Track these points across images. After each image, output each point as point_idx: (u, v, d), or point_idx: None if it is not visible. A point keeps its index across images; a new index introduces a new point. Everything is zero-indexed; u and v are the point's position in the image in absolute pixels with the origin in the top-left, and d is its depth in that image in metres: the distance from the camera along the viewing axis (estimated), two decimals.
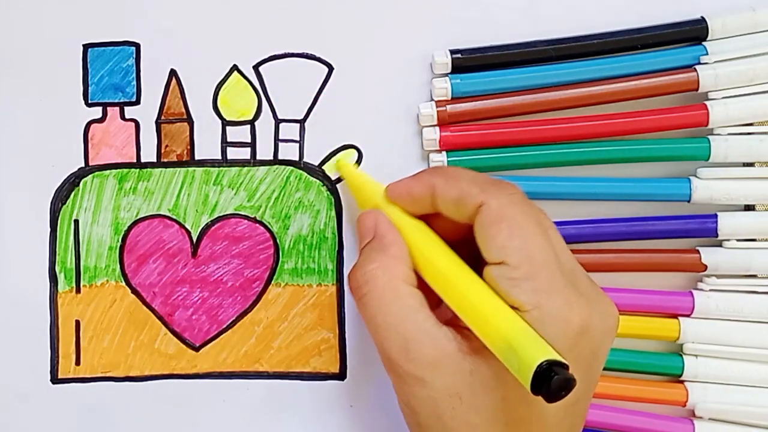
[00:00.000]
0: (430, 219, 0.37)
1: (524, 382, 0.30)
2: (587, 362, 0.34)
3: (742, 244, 0.43)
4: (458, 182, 0.35)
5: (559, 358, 0.30)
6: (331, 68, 0.43)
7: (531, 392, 0.29)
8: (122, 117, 0.42)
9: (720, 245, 0.43)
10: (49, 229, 0.42)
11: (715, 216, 0.43)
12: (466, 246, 0.36)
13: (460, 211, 0.35)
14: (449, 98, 0.42)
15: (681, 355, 0.43)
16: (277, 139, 0.43)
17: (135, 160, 0.42)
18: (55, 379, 0.42)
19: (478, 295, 0.33)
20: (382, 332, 0.34)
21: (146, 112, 0.42)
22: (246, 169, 0.42)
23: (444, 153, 0.42)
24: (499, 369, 0.32)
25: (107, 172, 0.42)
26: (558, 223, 0.42)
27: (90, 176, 0.42)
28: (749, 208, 0.43)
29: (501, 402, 0.33)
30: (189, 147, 0.42)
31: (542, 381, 0.29)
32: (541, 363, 0.29)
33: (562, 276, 0.33)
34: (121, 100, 0.42)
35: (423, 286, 0.36)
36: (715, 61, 0.42)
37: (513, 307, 0.33)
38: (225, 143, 0.42)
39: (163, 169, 0.42)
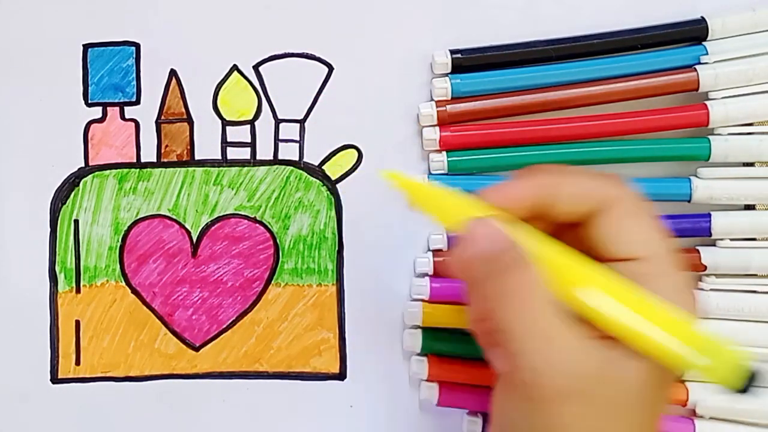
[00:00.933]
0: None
1: (731, 383, 0.30)
2: None
3: (741, 243, 0.43)
4: (580, 177, 0.34)
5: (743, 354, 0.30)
6: (331, 68, 0.43)
7: (738, 391, 0.29)
8: (122, 117, 0.42)
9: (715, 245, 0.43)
10: (49, 229, 0.42)
11: (709, 215, 0.43)
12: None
13: (583, 205, 0.33)
14: (449, 98, 0.42)
15: None
16: (277, 139, 0.43)
17: (135, 160, 0.42)
18: (55, 379, 0.42)
19: (641, 306, 0.31)
20: (538, 346, 0.31)
21: (146, 112, 0.42)
22: (246, 169, 0.42)
23: (444, 153, 0.42)
24: (645, 371, 0.31)
25: (107, 172, 0.42)
26: None
27: (90, 176, 0.42)
28: (749, 207, 0.43)
29: (646, 405, 0.31)
30: (189, 147, 0.42)
31: (747, 378, 0.30)
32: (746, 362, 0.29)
33: (687, 283, 0.33)
34: (121, 100, 0.42)
35: None
36: (715, 61, 0.42)
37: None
38: (225, 143, 0.42)
39: (163, 169, 0.42)
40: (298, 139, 0.43)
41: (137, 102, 0.42)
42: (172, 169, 0.42)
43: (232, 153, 0.42)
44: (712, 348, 0.30)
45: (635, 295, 0.31)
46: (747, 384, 0.30)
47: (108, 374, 0.42)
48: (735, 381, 0.30)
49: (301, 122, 0.43)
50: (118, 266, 0.42)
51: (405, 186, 0.35)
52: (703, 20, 0.43)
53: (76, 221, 0.42)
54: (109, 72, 0.42)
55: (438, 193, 0.35)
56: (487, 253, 0.32)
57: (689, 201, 0.43)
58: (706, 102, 0.42)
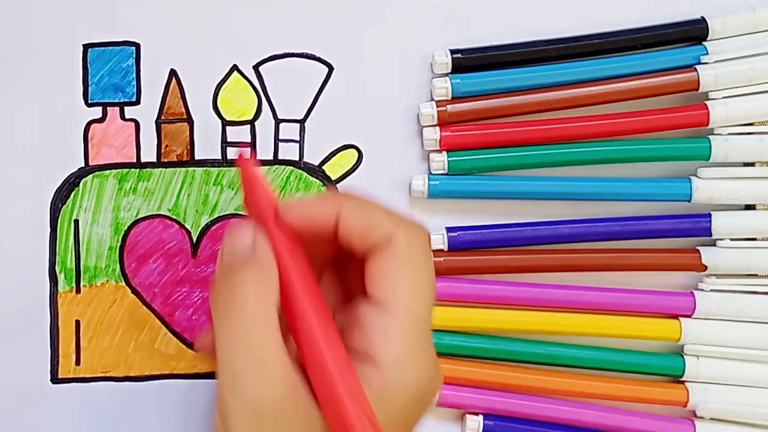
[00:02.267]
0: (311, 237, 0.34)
1: None
2: (414, 421, 0.32)
3: (741, 243, 0.43)
4: (370, 209, 0.33)
5: None
6: (331, 68, 0.43)
7: None
8: (122, 117, 0.42)
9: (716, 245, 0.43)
10: (49, 229, 0.42)
11: (709, 215, 0.43)
12: (332, 273, 0.35)
13: (364, 239, 0.32)
14: (449, 98, 0.42)
15: (682, 356, 0.43)
16: (277, 139, 0.43)
17: (135, 160, 0.42)
18: (55, 379, 0.42)
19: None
20: (240, 357, 0.31)
21: (146, 112, 0.42)
22: None
23: (444, 153, 0.42)
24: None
25: (107, 172, 0.42)
26: (553, 223, 0.43)
27: (90, 176, 0.42)
28: (750, 207, 0.43)
29: None
30: (189, 147, 0.42)
31: None
32: None
33: (430, 341, 0.32)
34: (121, 100, 0.42)
35: None
36: (715, 61, 0.42)
37: (371, 358, 0.31)
38: (225, 143, 0.42)
39: (163, 169, 0.42)
40: (298, 139, 0.43)
41: (137, 102, 0.42)
42: (172, 169, 0.42)
43: (232, 153, 0.42)
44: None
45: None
46: None
47: (108, 374, 0.42)
48: None
49: (301, 122, 0.43)
50: (118, 266, 0.42)
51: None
52: (703, 20, 0.43)
53: (76, 221, 0.42)
54: (109, 72, 0.42)
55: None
56: (229, 250, 0.33)
57: (689, 201, 0.43)
58: (706, 102, 0.42)
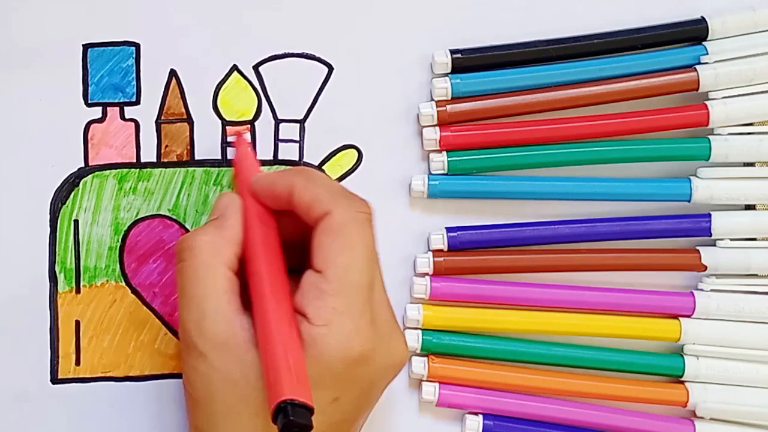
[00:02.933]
0: (286, 216, 0.38)
1: (269, 408, 0.31)
2: (363, 389, 0.35)
3: (741, 243, 0.43)
4: (314, 187, 0.36)
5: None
6: (331, 68, 0.43)
7: (271, 420, 0.31)
8: (122, 117, 0.42)
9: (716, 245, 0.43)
10: (49, 229, 0.42)
11: (709, 215, 0.43)
12: (306, 248, 0.37)
13: (309, 214, 0.36)
14: (449, 98, 0.42)
15: (682, 356, 0.43)
16: (277, 139, 0.43)
17: (135, 160, 0.42)
18: (55, 379, 0.42)
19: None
20: (185, 302, 0.35)
21: (146, 112, 0.42)
22: None
23: (444, 153, 0.42)
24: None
25: (107, 172, 0.42)
26: (553, 223, 0.43)
27: (90, 176, 0.42)
28: (750, 207, 0.43)
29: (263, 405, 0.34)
30: (189, 147, 0.42)
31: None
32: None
33: (364, 305, 0.35)
34: (121, 100, 0.42)
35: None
36: (715, 61, 0.42)
37: (304, 315, 0.34)
38: (225, 143, 0.42)
39: (163, 169, 0.42)
40: (298, 139, 0.43)
41: (137, 102, 0.42)
42: (172, 169, 0.42)
43: (232, 153, 0.42)
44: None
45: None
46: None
47: (108, 374, 0.42)
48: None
49: (301, 122, 0.43)
50: (118, 266, 0.42)
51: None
52: (703, 20, 0.43)
53: (76, 221, 0.42)
54: (109, 72, 0.42)
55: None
56: (213, 211, 0.38)
57: (689, 201, 0.43)
58: (706, 102, 0.42)
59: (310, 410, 0.31)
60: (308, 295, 0.35)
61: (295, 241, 0.38)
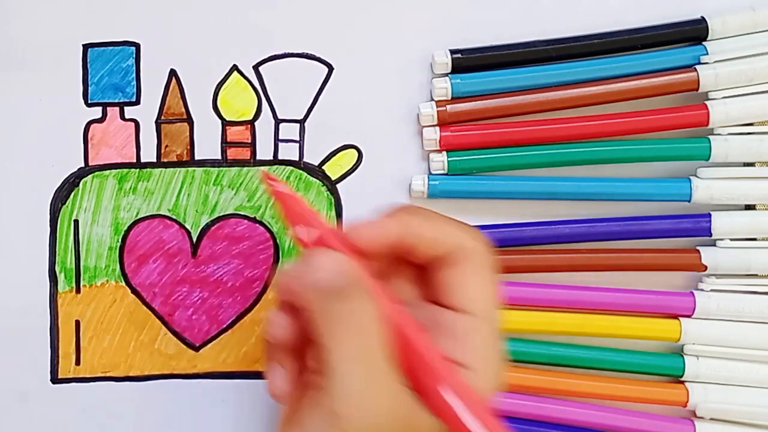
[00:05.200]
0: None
1: None
2: None
3: (741, 243, 0.43)
4: (438, 221, 0.34)
5: None
6: (331, 68, 0.43)
7: None
8: (122, 117, 0.42)
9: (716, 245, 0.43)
10: (49, 229, 0.42)
11: (709, 215, 0.43)
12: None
13: (436, 249, 0.34)
14: (449, 98, 0.42)
15: (682, 356, 0.43)
16: (277, 139, 0.43)
17: (135, 160, 0.42)
18: (55, 379, 0.42)
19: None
20: (359, 372, 0.31)
21: (146, 112, 0.42)
22: (246, 169, 0.42)
23: (444, 153, 0.42)
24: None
25: (107, 172, 0.42)
26: (553, 223, 0.43)
27: (90, 176, 0.42)
28: (750, 207, 0.43)
29: None
30: (189, 147, 0.42)
31: None
32: None
33: (501, 344, 0.34)
34: (121, 100, 0.42)
35: None
36: (715, 61, 0.42)
37: (460, 363, 0.32)
38: (225, 143, 0.42)
39: (163, 169, 0.42)
40: (298, 139, 0.43)
41: (137, 102, 0.42)
42: (172, 169, 0.42)
43: (232, 153, 0.42)
44: None
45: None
46: None
47: (108, 374, 0.42)
48: None
49: (301, 122, 0.43)
50: (118, 266, 0.42)
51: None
52: (703, 20, 0.43)
53: (76, 221, 0.42)
54: (109, 72, 0.42)
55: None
56: (328, 282, 0.32)
57: (689, 201, 0.43)
58: (706, 102, 0.42)
59: None
60: (462, 341, 0.33)
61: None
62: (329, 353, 0.31)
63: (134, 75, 0.42)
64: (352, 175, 0.43)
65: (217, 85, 0.42)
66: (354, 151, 0.43)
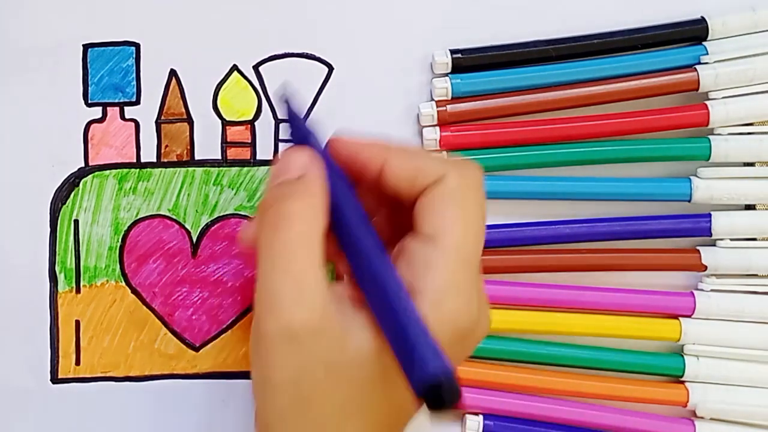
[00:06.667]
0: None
1: (411, 386, 0.29)
2: (457, 361, 0.32)
3: (741, 243, 0.43)
4: (416, 158, 0.33)
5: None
6: (331, 68, 0.43)
7: (415, 397, 0.28)
8: (122, 117, 0.42)
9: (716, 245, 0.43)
10: (49, 229, 0.42)
11: (709, 215, 0.43)
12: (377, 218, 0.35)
13: (414, 184, 0.33)
14: (449, 98, 0.42)
15: (682, 356, 0.43)
16: (277, 139, 0.43)
17: (135, 160, 0.42)
18: (55, 379, 0.42)
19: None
20: (278, 276, 0.31)
21: (146, 112, 0.42)
22: (246, 169, 0.42)
23: (444, 153, 0.42)
24: (378, 349, 0.31)
25: (107, 172, 0.42)
26: (553, 223, 0.43)
27: (90, 176, 0.42)
28: (750, 207, 0.43)
29: (368, 381, 0.31)
30: (189, 147, 0.42)
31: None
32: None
33: (477, 278, 0.33)
34: (121, 100, 0.42)
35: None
36: (715, 61, 0.42)
37: (411, 288, 0.31)
38: (225, 143, 0.42)
39: (163, 169, 0.42)
40: None
41: (137, 102, 0.42)
42: (172, 169, 0.42)
43: (232, 153, 0.42)
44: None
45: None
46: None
47: (108, 374, 0.42)
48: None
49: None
50: (118, 266, 0.42)
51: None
52: (703, 20, 0.43)
53: (76, 221, 0.42)
54: (109, 72, 0.42)
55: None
56: (282, 171, 0.33)
57: (689, 201, 0.43)
58: (706, 102, 0.42)
59: (458, 381, 0.28)
60: (416, 267, 0.32)
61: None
62: (258, 256, 0.32)
63: (134, 75, 0.42)
64: None
65: (217, 85, 0.42)
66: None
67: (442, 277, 0.32)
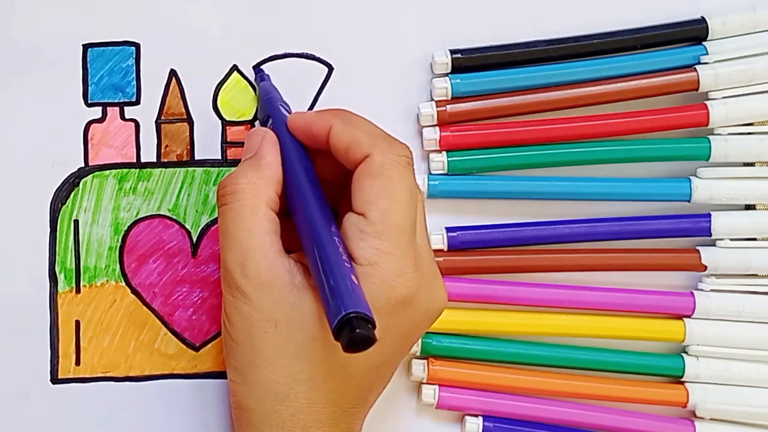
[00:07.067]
0: (321, 155, 0.38)
1: (330, 325, 0.31)
2: (403, 332, 0.36)
3: (741, 243, 0.43)
4: (354, 129, 0.36)
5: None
6: (331, 68, 0.43)
7: (333, 336, 0.31)
8: (122, 117, 0.42)
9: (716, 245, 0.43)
10: (49, 229, 0.42)
11: (709, 215, 0.43)
12: (343, 191, 0.37)
13: (348, 157, 0.36)
14: (449, 98, 0.42)
15: (682, 356, 0.43)
16: None
17: (135, 160, 0.42)
18: (55, 379, 0.42)
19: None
20: (228, 243, 0.35)
21: (146, 112, 0.42)
22: None
23: (444, 153, 0.42)
24: (319, 310, 0.34)
25: (107, 172, 0.42)
26: (553, 223, 0.43)
27: (90, 176, 0.42)
28: (750, 207, 0.43)
29: (311, 340, 0.34)
30: (189, 147, 0.42)
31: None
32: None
33: (407, 247, 0.35)
34: (121, 100, 0.42)
35: (285, 217, 0.37)
36: (715, 61, 0.42)
37: (351, 258, 0.34)
38: (225, 143, 0.42)
39: (163, 169, 0.42)
40: None
41: (137, 102, 0.42)
42: (172, 169, 0.42)
43: (232, 153, 0.42)
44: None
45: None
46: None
47: (108, 374, 0.42)
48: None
49: None
50: (118, 266, 0.42)
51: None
52: (703, 20, 0.43)
53: (76, 221, 0.42)
54: (109, 72, 0.42)
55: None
56: (245, 152, 0.38)
57: (689, 201, 0.43)
58: (706, 102, 0.42)
59: (372, 323, 0.30)
60: (351, 236, 0.35)
61: (329, 181, 0.38)
62: (225, 220, 0.36)
63: (134, 75, 0.42)
64: None
65: (217, 85, 0.42)
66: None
67: (371, 246, 0.34)
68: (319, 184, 0.37)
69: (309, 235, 0.34)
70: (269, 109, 0.40)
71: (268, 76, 0.42)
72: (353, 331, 0.30)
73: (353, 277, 0.32)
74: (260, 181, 0.36)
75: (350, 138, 0.36)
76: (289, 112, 0.39)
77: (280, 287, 0.34)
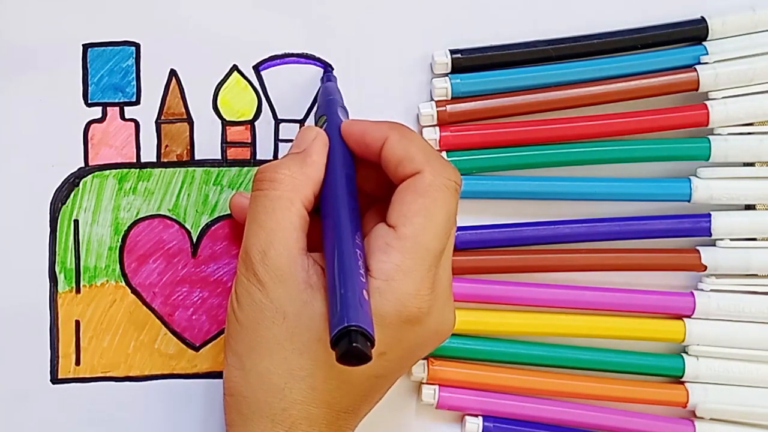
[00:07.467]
0: (363, 165, 0.38)
1: (329, 332, 0.31)
2: (409, 349, 0.35)
3: (741, 243, 0.43)
4: (409, 143, 0.36)
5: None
6: (331, 68, 0.43)
7: (330, 343, 0.31)
8: (122, 117, 0.42)
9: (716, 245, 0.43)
10: (49, 229, 0.42)
11: (709, 215, 0.43)
12: (373, 203, 0.38)
13: (397, 170, 0.36)
14: (449, 98, 0.42)
15: (682, 356, 0.43)
16: (277, 139, 0.43)
17: (135, 160, 0.42)
18: (55, 379, 0.42)
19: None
20: (255, 229, 0.35)
21: (146, 112, 0.42)
22: (246, 169, 0.42)
23: (444, 153, 0.42)
24: (328, 313, 0.34)
25: (107, 172, 0.42)
26: (553, 223, 0.43)
27: (90, 176, 0.42)
28: (749, 207, 0.43)
29: (316, 340, 0.34)
30: (189, 147, 0.42)
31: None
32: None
33: (429, 269, 0.34)
34: (121, 100, 0.42)
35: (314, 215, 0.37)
36: (715, 61, 0.42)
37: (369, 270, 0.34)
38: (225, 143, 0.42)
39: (163, 169, 0.42)
40: None
41: (137, 102, 0.42)
42: (172, 169, 0.42)
43: (232, 153, 0.42)
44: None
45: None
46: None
47: (108, 374, 0.42)
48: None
49: (301, 122, 0.43)
50: (118, 266, 0.42)
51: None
52: (703, 20, 0.43)
53: (76, 221, 0.42)
54: (109, 72, 0.42)
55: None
56: (293, 147, 0.38)
57: (689, 201, 0.43)
58: (706, 102, 0.42)
59: (371, 341, 0.31)
60: (375, 248, 0.34)
61: (364, 192, 0.38)
62: (255, 208, 0.36)
63: (134, 75, 0.42)
64: None
65: (217, 85, 0.42)
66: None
67: (393, 260, 0.34)
68: (356, 194, 0.36)
69: (332, 241, 0.34)
70: (327, 111, 0.39)
71: (335, 77, 0.42)
72: (350, 344, 0.30)
73: (365, 292, 0.32)
74: (302, 177, 0.36)
75: (404, 152, 0.36)
76: (346, 118, 0.39)
77: (296, 284, 0.34)
